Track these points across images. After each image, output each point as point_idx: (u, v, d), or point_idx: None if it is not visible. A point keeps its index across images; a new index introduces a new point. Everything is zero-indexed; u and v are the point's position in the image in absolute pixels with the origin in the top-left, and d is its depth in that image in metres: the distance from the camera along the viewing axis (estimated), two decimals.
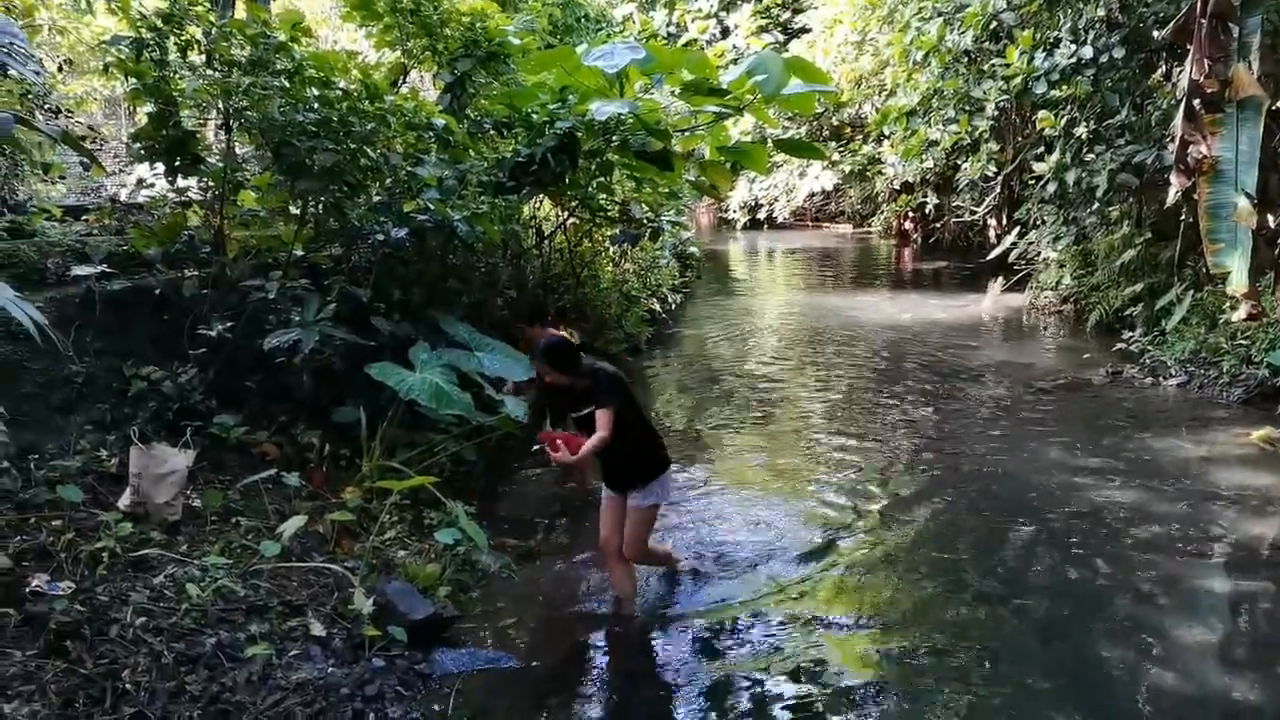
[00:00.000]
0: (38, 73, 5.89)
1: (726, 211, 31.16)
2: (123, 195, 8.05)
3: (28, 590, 3.89)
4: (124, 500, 4.73)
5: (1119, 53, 10.91)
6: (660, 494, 5.07)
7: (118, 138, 11.40)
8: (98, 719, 3.44)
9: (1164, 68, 11.37)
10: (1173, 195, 9.34)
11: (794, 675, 4.56)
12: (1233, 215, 7.94)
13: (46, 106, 6.83)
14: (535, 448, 5.77)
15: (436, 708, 4.16)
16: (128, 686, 3.61)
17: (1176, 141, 8.47)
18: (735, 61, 15.76)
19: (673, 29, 28.39)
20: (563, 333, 5.14)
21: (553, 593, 5.43)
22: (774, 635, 4.96)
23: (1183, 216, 10.47)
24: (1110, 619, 5.06)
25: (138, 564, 4.36)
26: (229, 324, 5.90)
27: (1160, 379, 9.91)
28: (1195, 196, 8.40)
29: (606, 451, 4.81)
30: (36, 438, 4.95)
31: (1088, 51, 11.10)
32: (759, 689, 4.46)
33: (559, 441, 4.76)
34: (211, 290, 6.07)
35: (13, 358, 5.09)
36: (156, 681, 3.69)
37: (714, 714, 4.28)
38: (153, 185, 6.62)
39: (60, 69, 9.15)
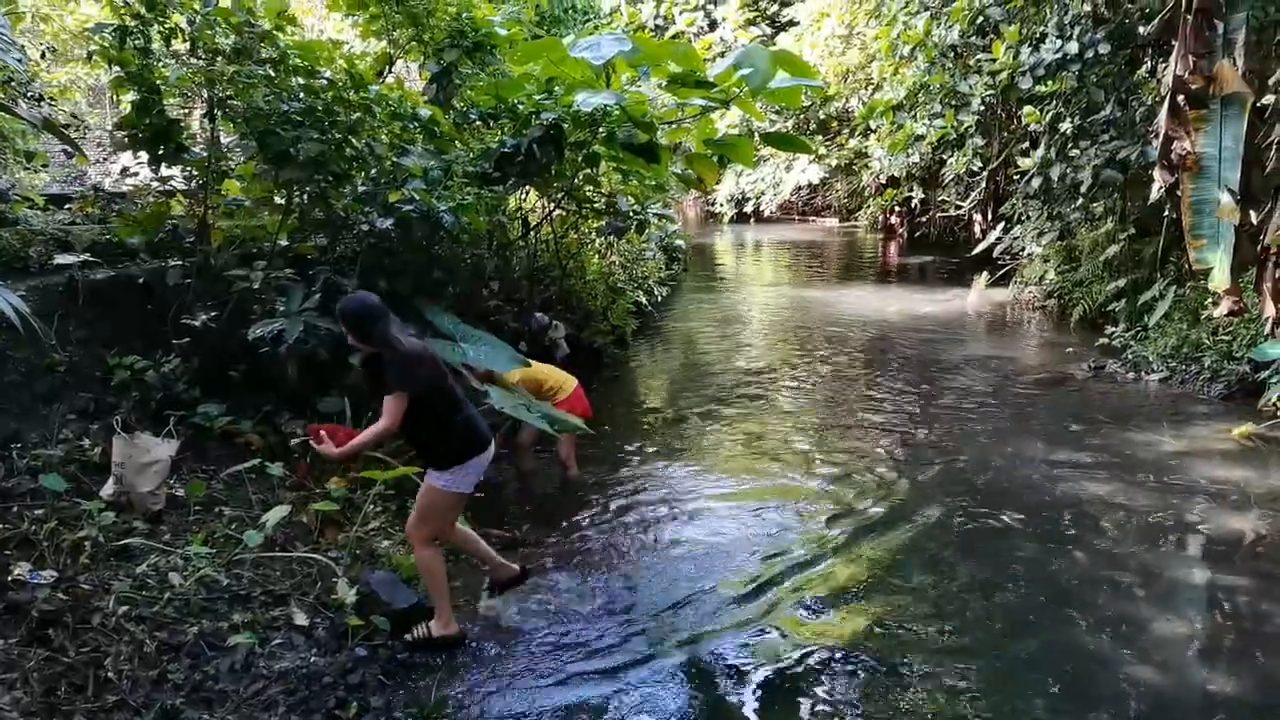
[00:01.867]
0: (20, 60, 5.84)
1: (713, 205, 31.23)
2: (106, 184, 8.01)
3: (10, 579, 3.89)
4: (107, 489, 4.72)
5: (1104, 48, 10.96)
6: (463, 480, 4.53)
7: (102, 126, 11.32)
8: (80, 707, 3.44)
9: (1149, 63, 11.43)
10: (1156, 191, 9.41)
11: (766, 659, 4.59)
12: (1215, 211, 8.00)
13: (29, 94, 6.78)
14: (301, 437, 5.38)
15: (418, 696, 4.18)
16: (110, 675, 3.62)
17: (1160, 137, 8.51)
18: (722, 54, 15.79)
19: (660, 21, 28.38)
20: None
21: (534, 581, 5.43)
22: (746, 620, 4.99)
23: (1166, 212, 10.55)
24: (1089, 610, 5.12)
25: (120, 553, 4.36)
26: (213, 314, 5.89)
27: (1142, 374, 9.99)
28: (1178, 192, 8.46)
29: (408, 437, 4.51)
30: (19, 426, 4.93)
31: (1073, 47, 11.14)
32: (728, 674, 4.49)
33: (323, 434, 4.38)
34: (195, 280, 6.05)
35: None
36: (139, 670, 3.70)
37: (684, 691, 4.31)
38: (136, 174, 6.57)
39: (43, 56, 9.08)
